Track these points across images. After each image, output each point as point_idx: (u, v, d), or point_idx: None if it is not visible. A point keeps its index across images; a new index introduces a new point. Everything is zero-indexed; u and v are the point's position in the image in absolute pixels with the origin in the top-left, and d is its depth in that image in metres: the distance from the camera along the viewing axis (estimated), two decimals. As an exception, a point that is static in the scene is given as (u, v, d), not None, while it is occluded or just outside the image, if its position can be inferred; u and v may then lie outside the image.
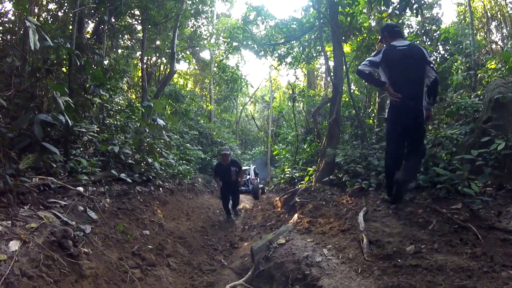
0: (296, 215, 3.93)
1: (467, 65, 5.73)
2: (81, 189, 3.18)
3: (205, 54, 16.40)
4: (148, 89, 11.11)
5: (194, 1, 8.08)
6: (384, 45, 3.20)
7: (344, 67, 6.15)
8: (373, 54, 3.11)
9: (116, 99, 8.38)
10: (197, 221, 5.49)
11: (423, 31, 6.61)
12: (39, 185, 3.00)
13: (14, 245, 2.26)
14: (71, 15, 5.53)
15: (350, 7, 6.13)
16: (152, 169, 4.99)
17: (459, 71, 5.84)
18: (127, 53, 11.16)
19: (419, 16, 5.64)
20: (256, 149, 17.78)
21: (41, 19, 7.56)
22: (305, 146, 9.32)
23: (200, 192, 9.19)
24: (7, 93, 3.50)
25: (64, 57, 3.84)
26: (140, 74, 12.06)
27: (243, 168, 12.65)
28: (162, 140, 5.85)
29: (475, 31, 7.44)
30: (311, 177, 7.06)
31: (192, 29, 13.16)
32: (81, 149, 3.24)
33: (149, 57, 11.90)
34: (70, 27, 5.42)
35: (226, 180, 6.17)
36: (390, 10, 5.89)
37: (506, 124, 3.52)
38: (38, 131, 2.75)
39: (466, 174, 2.90)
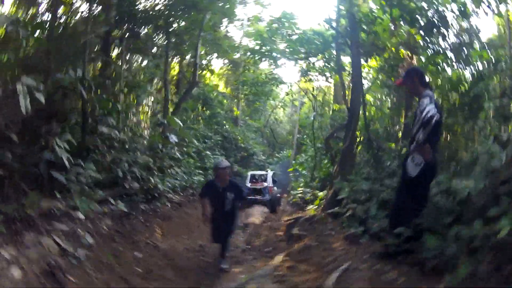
0: (281, 257, 4.02)
1: (503, 91, 5.03)
2: (81, 216, 3.68)
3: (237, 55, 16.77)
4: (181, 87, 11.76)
5: (216, 12, 8.31)
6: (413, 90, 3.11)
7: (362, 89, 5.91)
8: (429, 100, 2.82)
9: (144, 102, 9.15)
10: (198, 237, 5.83)
11: (459, 42, 5.92)
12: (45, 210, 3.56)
13: (16, 274, 2.77)
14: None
15: (373, 25, 5.80)
16: (157, 188, 5.44)
17: (493, 94, 5.19)
18: (159, 52, 11.84)
19: (446, 38, 5.12)
20: (284, 152, 17.80)
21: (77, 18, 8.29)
22: (325, 162, 9.13)
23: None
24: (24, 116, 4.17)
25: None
26: (175, 72, 12.89)
27: (260, 173, 11.94)
28: (174, 156, 6.31)
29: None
30: (321, 201, 6.98)
31: (223, 32, 13.59)
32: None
33: (181, 58, 12.43)
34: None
35: (218, 210, 4.27)
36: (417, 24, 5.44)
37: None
38: (44, 170, 3.25)
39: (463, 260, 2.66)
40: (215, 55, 16.65)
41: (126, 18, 7.13)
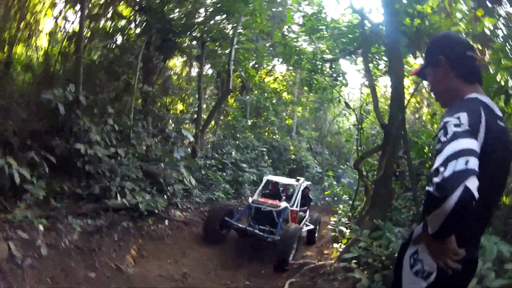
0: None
1: None
2: (41, 228, 3.98)
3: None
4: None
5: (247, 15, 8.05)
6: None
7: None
8: (465, 119, 1.19)
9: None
10: (188, 264, 5.54)
11: None
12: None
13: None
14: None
15: (418, 3, 4.30)
16: (150, 205, 5.46)
17: None
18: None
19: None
20: (349, 163, 15.91)
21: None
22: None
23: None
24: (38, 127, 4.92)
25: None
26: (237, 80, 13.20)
27: (283, 181, 7.33)
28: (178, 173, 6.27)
29: None
30: (348, 242, 5.63)
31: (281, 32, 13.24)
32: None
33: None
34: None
35: None
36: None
37: None
38: (6, 182, 3.64)
39: None
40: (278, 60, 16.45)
41: (164, 28, 7.63)
